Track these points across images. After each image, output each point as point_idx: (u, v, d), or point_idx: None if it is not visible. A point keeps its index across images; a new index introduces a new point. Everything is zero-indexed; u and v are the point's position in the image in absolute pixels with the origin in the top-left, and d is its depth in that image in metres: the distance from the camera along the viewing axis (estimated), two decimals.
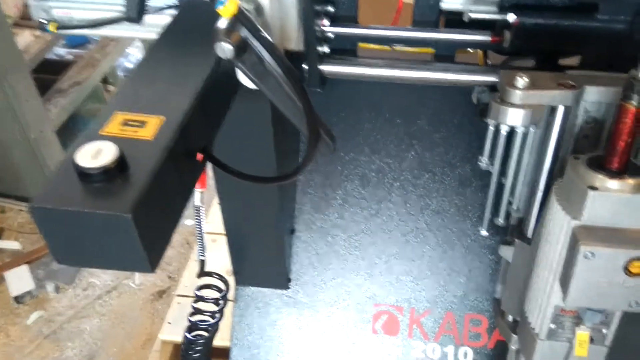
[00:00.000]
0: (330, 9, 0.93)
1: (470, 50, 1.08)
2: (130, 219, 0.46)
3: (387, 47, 1.05)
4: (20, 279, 2.20)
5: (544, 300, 0.70)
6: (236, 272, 1.20)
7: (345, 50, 1.02)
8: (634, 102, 0.59)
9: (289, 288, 1.20)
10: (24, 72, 2.29)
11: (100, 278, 2.31)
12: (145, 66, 0.63)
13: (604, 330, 0.69)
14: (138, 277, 2.31)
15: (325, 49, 0.94)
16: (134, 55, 3.60)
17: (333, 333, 1.20)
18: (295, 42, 0.61)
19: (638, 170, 0.62)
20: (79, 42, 3.32)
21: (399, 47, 1.06)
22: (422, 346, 1.18)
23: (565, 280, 0.64)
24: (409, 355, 1.18)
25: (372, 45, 1.04)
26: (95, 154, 0.48)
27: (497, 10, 0.87)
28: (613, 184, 0.61)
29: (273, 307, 1.21)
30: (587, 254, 0.60)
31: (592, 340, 0.69)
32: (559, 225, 0.65)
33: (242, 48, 0.47)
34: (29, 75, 2.32)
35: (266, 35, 0.47)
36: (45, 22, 1.01)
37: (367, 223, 1.17)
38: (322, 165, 1.16)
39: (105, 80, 3.17)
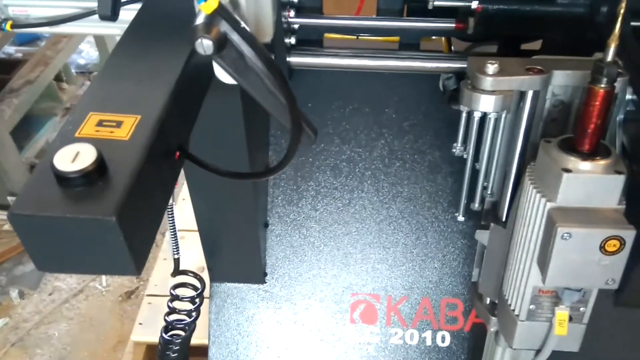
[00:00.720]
0: (295, 0, 0.93)
1: (434, 38, 1.09)
2: (114, 222, 0.44)
3: (352, 37, 1.05)
4: None
5: (522, 282, 0.71)
6: (210, 269, 1.18)
7: (311, 41, 1.02)
8: (602, 85, 0.61)
9: (265, 282, 1.20)
10: None
11: (65, 282, 2.26)
12: (115, 63, 0.61)
13: (582, 309, 0.71)
14: (105, 278, 2.27)
15: (292, 40, 0.94)
16: (87, 51, 3.51)
17: (312, 325, 1.20)
18: (270, 33, 0.60)
19: (608, 151, 0.64)
20: (29, 39, 3.22)
21: (364, 37, 1.06)
22: (401, 333, 1.19)
23: (543, 261, 0.65)
24: (388, 343, 1.19)
25: (337, 36, 1.05)
26: (73, 157, 0.46)
27: None
28: (585, 165, 0.63)
29: (250, 302, 1.20)
30: (565, 235, 0.62)
31: (570, 318, 0.71)
32: (534, 208, 0.66)
33: (222, 43, 0.47)
34: None
35: (247, 29, 0.46)
36: (0, 20, 0.98)
37: (340, 213, 1.18)
38: (293, 158, 1.15)
39: (58, 78, 3.08)
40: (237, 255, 1.18)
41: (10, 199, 2.47)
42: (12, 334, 2.06)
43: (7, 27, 0.97)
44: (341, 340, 1.20)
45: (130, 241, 0.47)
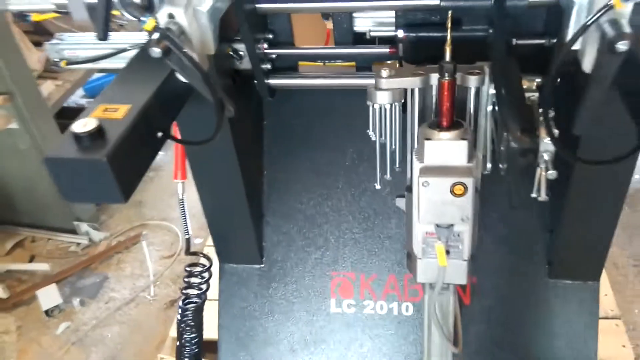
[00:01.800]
0: (270, 35, 1.23)
1: (389, 62, 1.37)
2: (105, 162, 0.74)
3: (320, 64, 1.35)
4: (49, 296, 2.50)
5: (417, 229, 0.96)
6: (218, 252, 1.47)
7: (289, 67, 1.31)
8: (446, 78, 0.87)
9: (262, 264, 1.47)
10: (47, 116, 2.64)
11: (120, 292, 2.60)
12: (122, 74, 0.94)
13: (460, 247, 0.95)
14: (153, 289, 2.60)
15: (268, 66, 1.24)
16: None
17: (300, 299, 1.46)
18: (212, 48, 0.91)
19: (460, 125, 0.90)
20: (97, 92, 3.68)
21: (329, 63, 1.35)
22: (372, 304, 1.42)
23: (418, 205, 0.90)
24: (362, 313, 1.43)
25: (309, 63, 1.34)
26: (84, 125, 0.77)
27: (392, 29, 1.16)
28: (441, 135, 0.88)
29: (250, 280, 1.47)
30: (424, 183, 0.87)
31: (449, 253, 0.94)
32: (415, 170, 0.92)
33: (167, 52, 0.77)
34: (52, 120, 2.67)
35: (181, 44, 0.77)
36: (58, 60, 1.33)
37: (321, 206, 1.44)
38: (283, 161, 1.43)
39: None
40: (238, 241, 1.45)
41: (76, 223, 2.87)
42: (73, 336, 2.40)
43: (62, 64, 1.32)
44: (324, 311, 1.44)
45: (118, 177, 0.76)
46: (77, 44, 1.29)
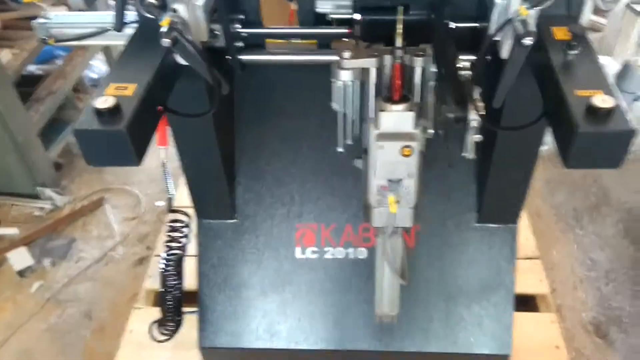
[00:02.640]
0: (241, 16, 1.40)
1: (346, 40, 1.56)
2: (125, 131, 0.92)
3: (285, 41, 1.53)
4: (20, 258, 2.61)
5: (372, 183, 1.18)
6: (195, 209, 1.66)
7: (258, 44, 1.48)
8: (396, 60, 1.08)
9: (236, 219, 1.67)
10: (7, 85, 2.70)
11: (88, 252, 2.74)
12: (124, 56, 1.10)
13: (407, 197, 1.18)
14: (120, 248, 2.75)
15: (241, 44, 1.41)
16: (98, 67, 3.99)
17: (269, 248, 1.67)
18: (205, 36, 1.09)
19: (407, 99, 1.12)
20: (46, 58, 3.68)
21: (294, 41, 1.54)
22: (332, 250, 1.66)
23: (373, 165, 1.13)
24: (323, 257, 1.66)
25: (275, 40, 1.52)
26: (104, 102, 0.95)
27: (350, 11, 1.35)
28: (393, 107, 1.10)
29: (225, 233, 1.67)
30: (380, 146, 1.09)
31: (398, 202, 1.17)
32: (372, 136, 1.13)
33: (175, 42, 0.95)
34: (12, 88, 2.73)
35: (187, 35, 0.95)
36: (46, 38, 1.45)
37: (287, 168, 1.64)
38: (252, 128, 1.62)
39: (75, 90, 3.56)
40: (214, 200, 1.65)
41: (39, 189, 2.96)
42: (47, 293, 2.53)
43: (50, 42, 1.44)
44: (290, 258, 1.67)
45: (134, 144, 0.95)
46: (64, 23, 1.41)
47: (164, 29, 0.94)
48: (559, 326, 2.12)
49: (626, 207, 2.89)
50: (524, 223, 2.47)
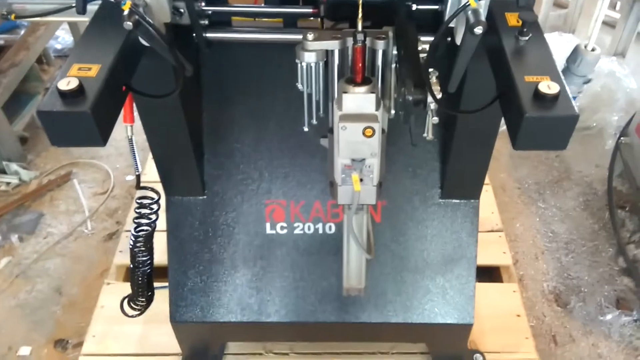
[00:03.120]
0: None
1: (312, 19, 1.57)
2: (89, 113, 0.93)
3: (251, 19, 1.53)
4: None
5: (337, 162, 1.21)
6: (164, 185, 1.67)
7: (224, 22, 1.48)
8: (358, 44, 1.10)
9: (205, 195, 1.69)
10: None
11: (57, 228, 2.73)
12: (87, 35, 1.10)
13: (371, 175, 1.21)
14: (89, 224, 2.75)
15: (206, 21, 1.41)
16: (63, 37, 3.91)
17: (239, 224, 1.69)
18: (168, 17, 1.09)
19: (369, 81, 1.14)
20: (9, 28, 3.59)
21: (260, 19, 1.54)
22: (301, 226, 1.69)
23: (337, 144, 1.15)
24: (293, 233, 1.69)
25: (241, 18, 1.52)
26: (67, 84, 0.95)
27: None
28: (356, 89, 1.12)
29: (194, 210, 1.69)
30: (343, 127, 1.11)
31: (362, 180, 1.21)
32: (335, 117, 1.16)
33: (136, 24, 0.95)
34: None
35: (148, 18, 0.95)
36: (6, 13, 1.42)
37: (256, 145, 1.65)
38: (220, 106, 1.63)
39: (40, 61, 3.49)
40: (182, 176, 1.65)
41: (4, 163, 2.92)
42: (16, 269, 2.52)
43: (12, 17, 1.41)
44: (260, 233, 1.69)
45: (98, 125, 0.96)
46: None
47: (125, 12, 0.94)
48: (520, 296, 2.22)
49: (587, 180, 2.99)
50: (489, 197, 2.55)
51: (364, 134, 1.12)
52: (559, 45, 3.12)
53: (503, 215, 2.57)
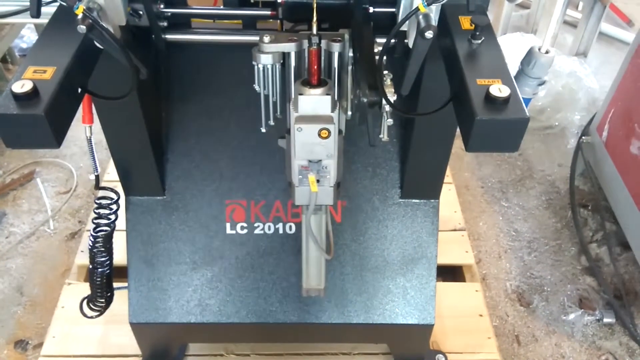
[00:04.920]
0: None
1: (271, 21, 1.57)
2: (43, 116, 0.92)
3: (210, 21, 1.53)
4: None
5: (293, 163, 1.22)
6: (124, 186, 1.66)
7: (183, 24, 1.48)
8: (313, 47, 1.11)
9: (165, 195, 1.68)
10: None
11: (19, 227, 2.68)
12: (43, 38, 1.09)
13: (327, 176, 1.23)
14: (52, 223, 2.71)
15: (165, 23, 1.40)
16: (28, 36, 3.85)
17: (199, 224, 1.69)
18: (123, 20, 1.08)
19: (325, 83, 1.15)
20: None
21: (219, 21, 1.54)
22: (262, 226, 1.69)
23: (294, 146, 1.16)
24: (253, 233, 1.69)
25: (200, 20, 1.52)
26: (21, 87, 0.94)
27: None
28: (312, 91, 1.13)
29: (154, 210, 1.68)
30: (298, 129, 1.12)
31: (319, 181, 1.22)
32: (292, 119, 1.17)
33: (90, 28, 0.95)
34: None
35: (102, 22, 0.94)
36: None
37: (216, 144, 1.65)
38: (179, 106, 1.62)
39: (4, 60, 3.43)
40: (142, 176, 1.64)
41: None
42: None
43: None
44: (220, 233, 1.69)
45: (53, 127, 0.95)
46: None
47: (78, 16, 0.94)
48: (483, 295, 2.25)
49: (549, 179, 3.06)
50: (452, 196, 2.59)
51: (319, 135, 1.13)
52: (521, 46, 3.17)
53: (466, 214, 2.61)
